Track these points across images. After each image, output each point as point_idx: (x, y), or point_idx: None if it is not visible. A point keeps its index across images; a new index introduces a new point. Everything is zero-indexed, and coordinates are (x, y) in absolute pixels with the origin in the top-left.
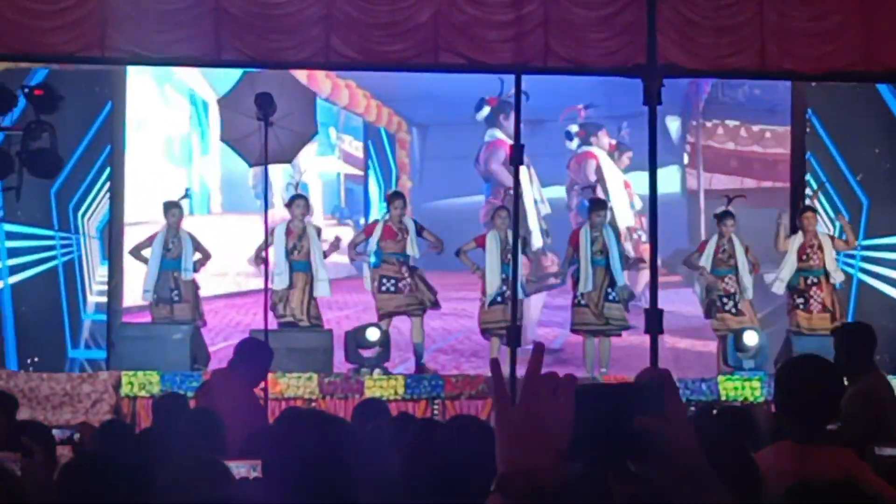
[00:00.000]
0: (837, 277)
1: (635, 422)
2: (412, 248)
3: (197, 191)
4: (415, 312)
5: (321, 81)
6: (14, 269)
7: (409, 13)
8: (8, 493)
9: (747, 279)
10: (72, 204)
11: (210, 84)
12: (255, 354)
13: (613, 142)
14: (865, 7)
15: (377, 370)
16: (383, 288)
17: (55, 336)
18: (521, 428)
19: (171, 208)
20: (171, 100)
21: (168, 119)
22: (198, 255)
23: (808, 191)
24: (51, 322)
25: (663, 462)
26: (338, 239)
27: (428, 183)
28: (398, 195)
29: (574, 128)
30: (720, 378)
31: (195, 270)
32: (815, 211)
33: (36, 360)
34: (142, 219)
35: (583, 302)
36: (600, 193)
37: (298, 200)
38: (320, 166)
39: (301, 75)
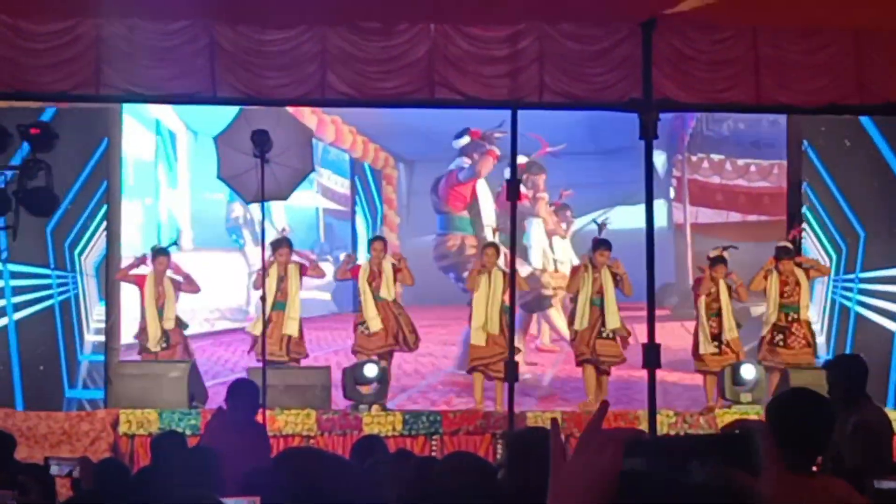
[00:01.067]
0: (807, 314)
1: (731, 477)
2: (387, 291)
3: (165, 222)
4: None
5: (307, 117)
6: (15, 308)
7: (404, 49)
8: None
9: (730, 321)
10: (67, 242)
11: (178, 114)
12: (242, 391)
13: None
14: (859, 41)
15: (375, 406)
16: (361, 329)
17: (52, 375)
18: (573, 480)
19: (159, 255)
20: (134, 129)
21: (131, 148)
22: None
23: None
24: (48, 361)
25: None
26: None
27: (415, 218)
28: (378, 239)
29: (464, 140)
30: (718, 412)
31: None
32: (790, 248)
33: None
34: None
35: (575, 339)
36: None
37: (283, 248)
38: (298, 201)
39: (287, 111)
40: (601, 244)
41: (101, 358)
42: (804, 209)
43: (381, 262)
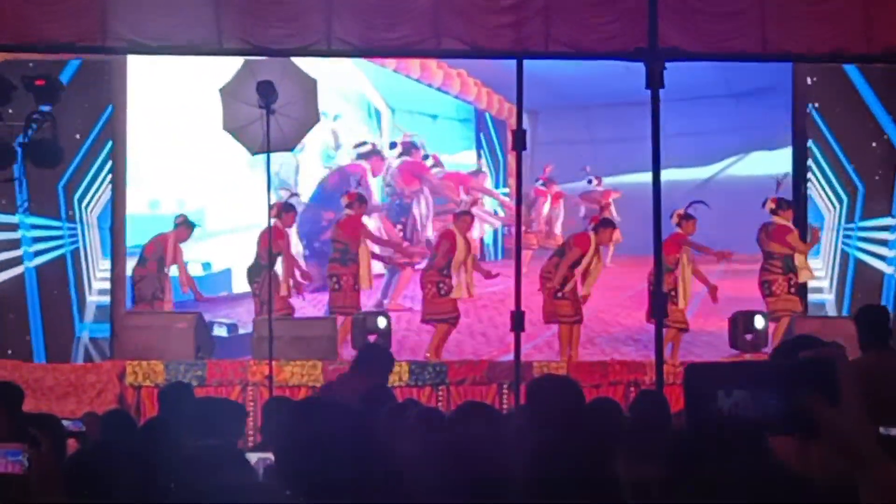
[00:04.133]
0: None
1: (807, 400)
2: None
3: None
4: None
5: (433, 71)
6: (33, 256)
7: None
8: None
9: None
10: (77, 196)
11: None
12: (378, 359)
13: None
14: None
15: None
16: None
17: (66, 319)
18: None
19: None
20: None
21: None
22: None
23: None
24: (62, 306)
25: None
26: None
27: (538, 168)
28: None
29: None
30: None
31: None
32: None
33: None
34: None
35: (565, 296)
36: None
37: (292, 213)
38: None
39: (414, 64)
40: (609, 223)
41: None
42: (809, 162)
43: None
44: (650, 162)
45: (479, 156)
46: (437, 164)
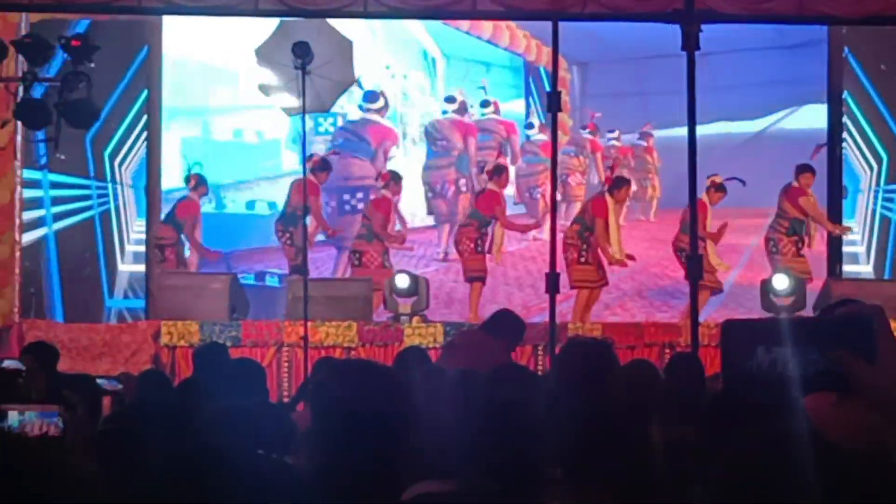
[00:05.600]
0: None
1: (841, 360)
2: None
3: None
4: None
5: (483, 24)
6: (56, 218)
7: None
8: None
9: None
10: (107, 152)
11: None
12: (513, 323)
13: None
14: None
15: (416, 318)
16: None
17: (94, 286)
18: None
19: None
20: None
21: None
22: None
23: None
24: (89, 272)
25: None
26: None
27: (588, 120)
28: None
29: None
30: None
31: None
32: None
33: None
34: None
35: (588, 261)
36: None
37: (327, 171)
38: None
39: (327, 22)
40: (624, 182)
41: (142, 268)
42: (844, 119)
43: None
44: (700, 114)
45: (527, 104)
46: (497, 110)
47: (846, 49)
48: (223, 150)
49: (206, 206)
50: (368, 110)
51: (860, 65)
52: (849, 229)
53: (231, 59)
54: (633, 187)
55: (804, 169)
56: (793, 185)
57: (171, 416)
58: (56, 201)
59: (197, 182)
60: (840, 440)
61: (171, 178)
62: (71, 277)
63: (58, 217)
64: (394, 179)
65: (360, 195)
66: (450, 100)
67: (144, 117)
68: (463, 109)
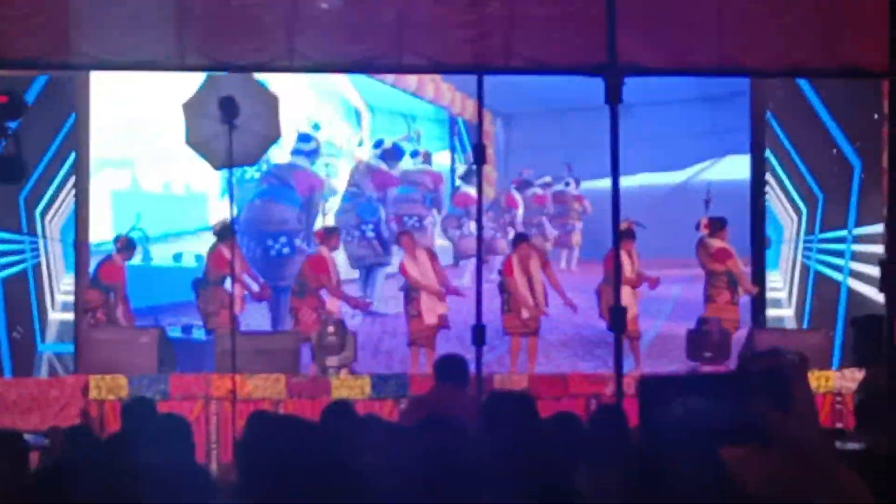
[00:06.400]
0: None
1: (757, 410)
2: None
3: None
4: None
5: (407, 77)
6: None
7: (371, 14)
8: None
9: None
10: (38, 210)
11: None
12: (460, 370)
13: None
14: (826, 4)
15: (343, 370)
16: None
17: (28, 336)
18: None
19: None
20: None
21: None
22: None
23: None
24: (23, 323)
25: (786, 451)
26: None
27: (513, 173)
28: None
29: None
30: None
31: None
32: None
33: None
34: None
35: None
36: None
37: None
38: None
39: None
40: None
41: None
42: (767, 175)
43: None
44: (624, 166)
45: (452, 157)
46: (427, 160)
47: (769, 113)
48: (152, 202)
49: (134, 259)
50: (300, 152)
51: (779, 124)
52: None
53: (159, 111)
54: (550, 237)
55: (719, 226)
56: (715, 246)
57: (97, 472)
58: None
59: (124, 245)
60: (757, 492)
61: (99, 231)
62: (14, 326)
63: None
64: (328, 234)
65: (283, 239)
66: (377, 144)
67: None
68: (392, 157)
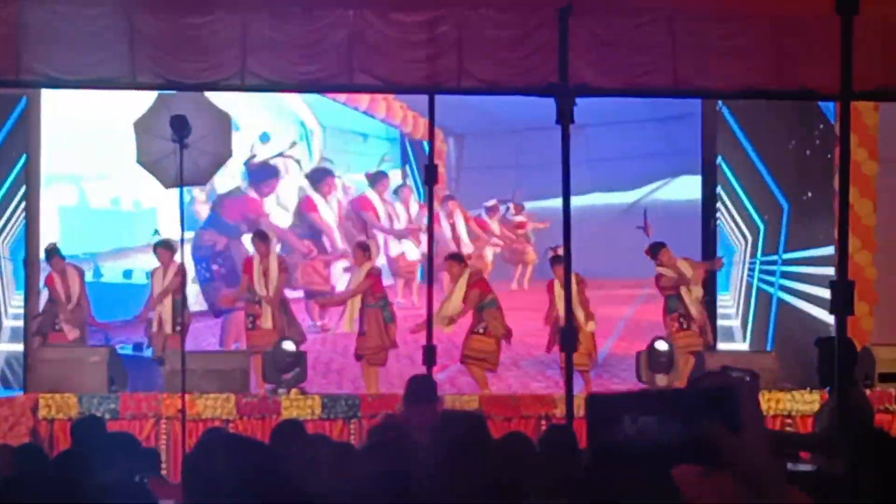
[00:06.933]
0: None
1: (706, 430)
2: None
3: None
4: None
5: (359, 95)
6: None
7: (323, 33)
8: None
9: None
10: None
11: None
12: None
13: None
14: (776, 26)
15: (294, 390)
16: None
17: None
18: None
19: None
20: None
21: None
22: None
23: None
24: None
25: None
26: None
27: (465, 192)
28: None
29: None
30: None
31: None
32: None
33: None
34: None
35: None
36: None
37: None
38: None
39: (206, 96)
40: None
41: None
42: (718, 190)
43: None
44: (577, 186)
45: (404, 175)
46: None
47: (724, 109)
48: (100, 218)
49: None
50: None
51: (738, 125)
52: (721, 260)
53: (109, 127)
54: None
55: (658, 248)
56: (656, 274)
57: (47, 491)
58: None
59: (49, 254)
60: None
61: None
62: None
63: None
64: (258, 238)
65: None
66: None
67: (23, 187)
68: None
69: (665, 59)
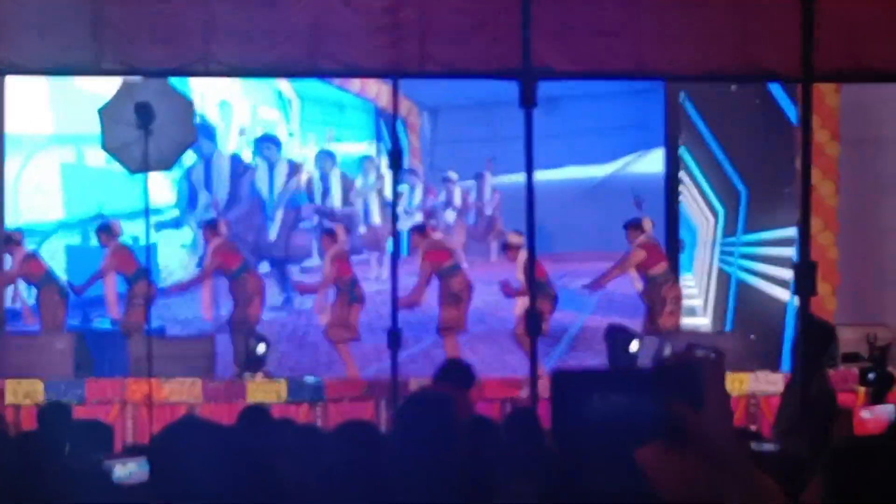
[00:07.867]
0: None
1: (670, 408)
2: None
3: None
4: None
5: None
6: None
7: (286, 19)
8: None
9: None
10: None
11: None
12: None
13: None
14: (740, 10)
15: (259, 374)
16: None
17: None
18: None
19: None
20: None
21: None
22: None
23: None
24: None
25: (699, 450)
26: None
27: (438, 166)
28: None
29: None
30: None
31: None
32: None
33: None
34: None
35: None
36: None
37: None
38: None
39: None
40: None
41: None
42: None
43: None
44: (551, 159)
45: (378, 149)
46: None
47: (684, 96)
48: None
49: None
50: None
51: (698, 112)
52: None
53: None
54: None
55: (634, 224)
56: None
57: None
58: None
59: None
60: (671, 494)
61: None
62: None
63: None
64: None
65: None
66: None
67: None
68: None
69: (628, 42)
